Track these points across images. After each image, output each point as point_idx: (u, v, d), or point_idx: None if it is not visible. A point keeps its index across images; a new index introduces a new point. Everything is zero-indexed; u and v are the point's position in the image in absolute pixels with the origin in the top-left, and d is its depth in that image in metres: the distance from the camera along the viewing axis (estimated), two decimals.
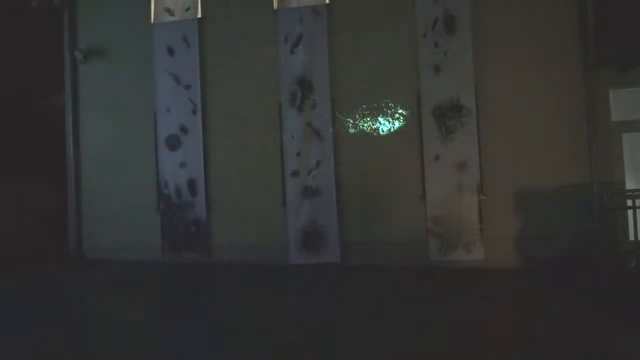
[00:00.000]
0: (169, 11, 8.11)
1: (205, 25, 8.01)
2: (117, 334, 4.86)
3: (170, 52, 8.03)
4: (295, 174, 7.55)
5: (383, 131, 7.47)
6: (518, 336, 4.64)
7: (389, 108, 7.46)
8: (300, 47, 7.59)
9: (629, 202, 6.37)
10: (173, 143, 8.00)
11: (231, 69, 7.90)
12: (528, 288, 6.14)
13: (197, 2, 8.03)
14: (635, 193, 6.34)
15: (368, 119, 7.52)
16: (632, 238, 6.33)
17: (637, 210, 6.18)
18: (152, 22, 8.14)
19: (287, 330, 4.89)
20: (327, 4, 7.58)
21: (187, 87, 7.96)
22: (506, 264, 6.89)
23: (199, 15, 8.02)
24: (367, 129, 7.52)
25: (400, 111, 7.44)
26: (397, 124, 7.45)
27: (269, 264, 7.36)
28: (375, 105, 7.49)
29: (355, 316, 5.24)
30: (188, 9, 8.05)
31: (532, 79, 7.00)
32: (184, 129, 7.97)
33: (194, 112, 7.95)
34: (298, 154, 7.55)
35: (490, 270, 6.84)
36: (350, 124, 7.56)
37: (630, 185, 6.86)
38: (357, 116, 7.55)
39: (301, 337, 4.65)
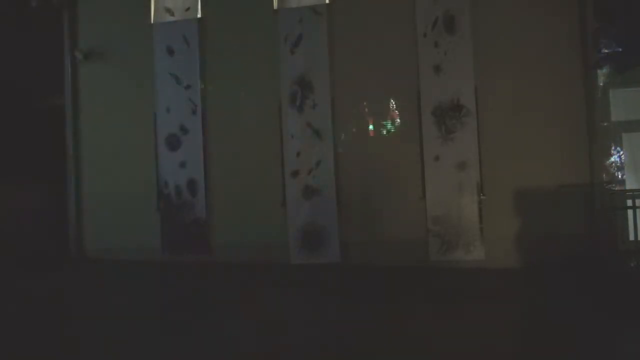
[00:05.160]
0: (169, 11, 8.11)
1: (205, 25, 8.01)
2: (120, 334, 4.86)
3: (170, 52, 8.02)
4: (295, 174, 7.55)
5: (383, 131, 7.47)
6: (518, 336, 4.64)
7: (389, 108, 7.46)
8: (300, 47, 7.59)
9: (629, 202, 6.37)
10: (173, 143, 8.00)
11: (231, 69, 7.89)
12: (528, 288, 6.14)
13: (197, 2, 8.02)
14: (635, 193, 6.35)
15: (368, 119, 7.51)
16: (632, 238, 6.34)
17: (637, 210, 6.19)
18: (152, 22, 8.14)
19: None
20: (327, 4, 7.58)
21: (187, 87, 7.96)
22: (506, 264, 6.88)
23: (199, 15, 8.02)
24: (367, 129, 7.51)
25: (400, 111, 7.44)
26: (397, 124, 7.44)
27: (269, 264, 7.35)
28: (375, 105, 7.49)
29: (357, 317, 5.24)
30: (188, 9, 8.05)
31: (532, 79, 6.99)
32: (184, 129, 7.97)
33: (194, 112, 7.94)
34: (298, 154, 7.55)
35: (490, 270, 6.83)
36: (350, 124, 7.56)
37: (630, 185, 6.85)
38: (357, 116, 7.54)
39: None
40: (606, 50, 6.79)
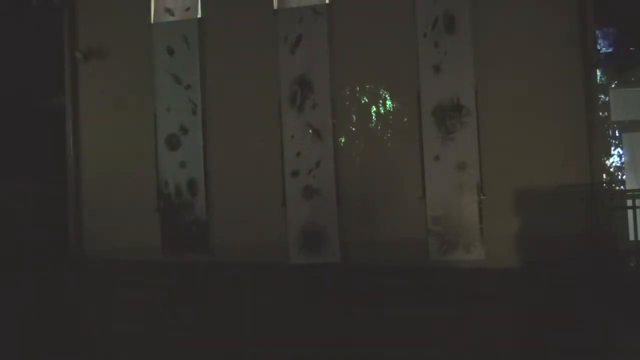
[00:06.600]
0: (169, 11, 8.10)
1: (205, 25, 8.00)
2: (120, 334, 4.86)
3: (170, 52, 8.02)
4: (295, 174, 7.55)
5: (383, 131, 7.47)
6: (518, 336, 4.64)
7: (389, 108, 7.46)
8: (300, 47, 7.59)
9: (629, 202, 6.38)
10: (173, 143, 8.00)
11: (231, 69, 7.89)
12: (528, 288, 6.14)
13: (197, 2, 8.02)
14: (635, 193, 6.35)
15: (368, 119, 7.52)
16: (632, 238, 6.34)
17: (637, 210, 6.19)
18: (152, 22, 8.14)
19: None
20: (327, 4, 7.58)
21: (187, 87, 7.96)
22: (506, 264, 6.88)
23: (199, 15, 8.02)
24: (367, 129, 7.51)
25: (400, 111, 7.44)
26: (397, 124, 7.44)
27: (269, 264, 7.35)
28: (375, 105, 7.49)
29: (357, 318, 5.24)
30: (188, 9, 8.05)
31: (532, 79, 6.99)
32: (184, 129, 7.96)
33: (194, 112, 7.94)
34: (298, 154, 7.55)
35: (490, 270, 6.83)
36: (350, 124, 7.56)
37: (630, 185, 6.86)
38: (357, 116, 7.54)
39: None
40: (606, 50, 6.79)
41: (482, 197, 7.04)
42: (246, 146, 7.79)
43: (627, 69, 6.84)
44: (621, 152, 6.96)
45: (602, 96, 7.00)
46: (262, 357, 4.23)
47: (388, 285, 6.42)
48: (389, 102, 7.46)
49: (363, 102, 7.52)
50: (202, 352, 4.32)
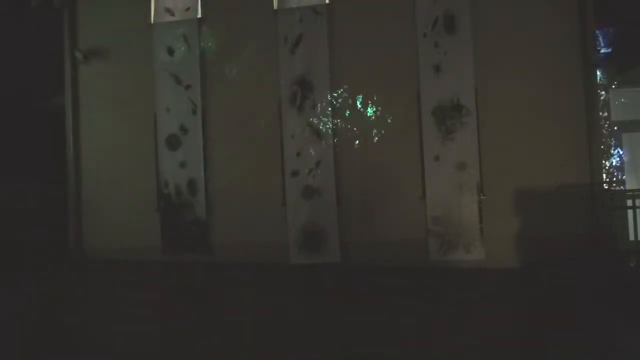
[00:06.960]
0: (169, 11, 8.10)
1: (205, 25, 8.01)
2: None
3: (170, 52, 8.02)
4: (295, 174, 7.55)
5: (383, 131, 7.47)
6: (518, 336, 4.64)
7: (389, 108, 7.46)
8: (300, 47, 7.59)
9: (629, 202, 6.38)
10: (173, 143, 8.00)
11: (231, 69, 7.90)
12: (528, 288, 6.14)
13: (197, 2, 8.02)
14: (635, 193, 6.36)
15: (368, 119, 7.52)
16: (632, 238, 6.34)
17: (637, 210, 6.19)
18: (152, 22, 8.14)
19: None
20: (327, 4, 7.58)
21: (187, 87, 7.96)
22: (506, 264, 6.89)
23: (199, 15, 8.02)
24: (367, 128, 7.51)
25: (400, 111, 7.43)
26: (397, 124, 7.44)
27: (269, 264, 7.35)
28: (375, 105, 7.49)
29: (357, 318, 5.24)
30: (188, 9, 8.05)
31: (532, 79, 6.99)
32: (184, 129, 7.97)
33: (194, 112, 7.94)
34: (298, 154, 7.55)
35: (490, 270, 6.83)
36: (350, 124, 7.56)
37: (630, 185, 6.86)
38: (357, 116, 7.54)
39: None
40: (606, 50, 6.79)
41: (482, 197, 7.04)
42: (246, 146, 7.80)
43: (627, 69, 6.84)
44: (621, 152, 6.96)
45: (602, 96, 6.99)
46: (261, 358, 4.23)
47: (388, 285, 6.42)
48: (389, 102, 7.46)
49: (363, 102, 7.52)
50: (202, 352, 4.32)
